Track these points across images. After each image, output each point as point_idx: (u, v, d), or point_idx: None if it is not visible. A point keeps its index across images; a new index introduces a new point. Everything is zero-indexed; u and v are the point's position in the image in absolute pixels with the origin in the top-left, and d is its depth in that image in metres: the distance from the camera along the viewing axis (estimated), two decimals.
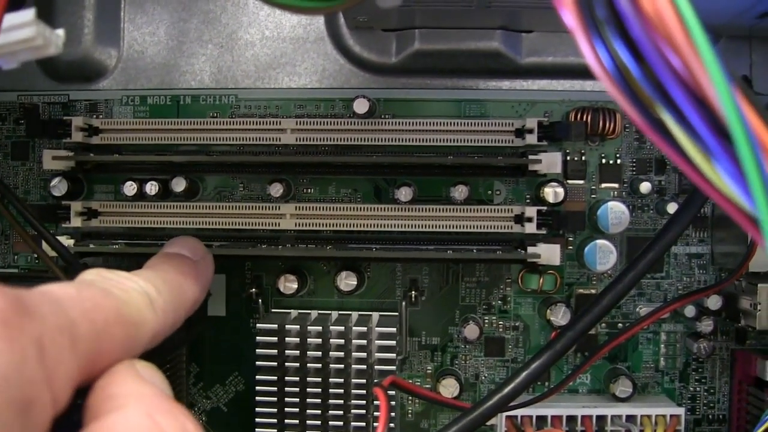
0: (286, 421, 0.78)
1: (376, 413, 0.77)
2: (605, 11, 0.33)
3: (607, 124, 0.81)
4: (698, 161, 0.34)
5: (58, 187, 0.81)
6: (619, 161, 0.83)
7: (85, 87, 0.86)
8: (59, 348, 0.34)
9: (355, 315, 0.82)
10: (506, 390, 0.60)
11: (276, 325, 0.77)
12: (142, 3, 0.86)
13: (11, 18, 0.51)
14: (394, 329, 0.78)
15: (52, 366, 0.33)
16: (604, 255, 0.80)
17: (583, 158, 0.83)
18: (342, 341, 0.77)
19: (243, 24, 0.85)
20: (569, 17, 0.34)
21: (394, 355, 0.77)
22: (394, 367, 0.77)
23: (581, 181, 0.83)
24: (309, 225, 0.79)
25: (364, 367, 0.77)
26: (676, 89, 0.32)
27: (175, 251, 0.60)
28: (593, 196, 0.83)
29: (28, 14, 0.52)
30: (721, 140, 0.32)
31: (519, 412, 0.79)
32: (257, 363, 0.78)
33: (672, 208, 0.81)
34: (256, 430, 0.78)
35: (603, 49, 0.34)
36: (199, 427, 0.37)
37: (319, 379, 0.77)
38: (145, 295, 0.45)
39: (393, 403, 0.83)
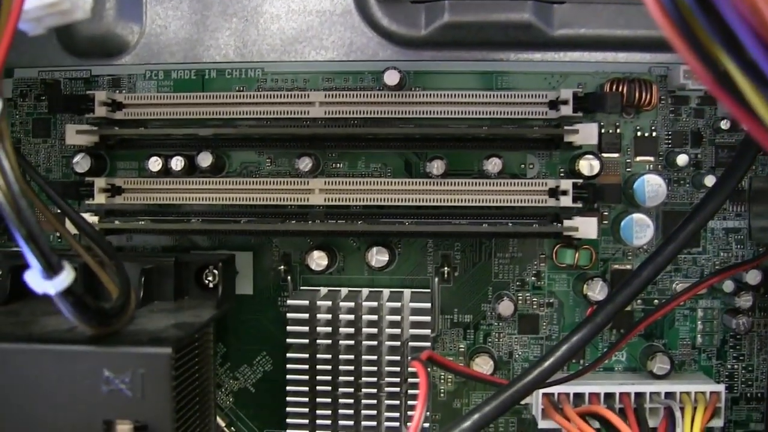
0: (317, 399, 0.76)
1: (409, 391, 0.76)
2: None
3: (643, 96, 0.79)
4: (763, 111, 0.32)
5: (81, 163, 0.80)
6: (654, 134, 0.81)
7: (107, 62, 0.84)
8: None
9: (386, 292, 0.81)
10: (545, 365, 0.59)
11: (307, 301, 0.76)
12: None
13: None
14: (428, 305, 0.76)
15: None
16: (641, 229, 0.78)
17: (618, 131, 0.81)
18: (374, 317, 0.75)
19: None
20: None
21: (429, 331, 0.76)
22: (428, 344, 0.75)
23: (616, 155, 0.81)
24: (338, 200, 0.77)
25: (398, 344, 0.75)
26: (746, 35, 0.31)
27: None
28: (628, 169, 0.81)
29: None
30: None
31: (556, 390, 0.78)
32: (288, 340, 0.76)
33: (709, 181, 0.79)
34: (287, 408, 0.77)
35: None
36: None
37: (351, 357, 0.76)
38: None
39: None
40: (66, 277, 0.53)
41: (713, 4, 0.31)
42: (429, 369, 0.71)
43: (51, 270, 0.52)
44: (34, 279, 0.52)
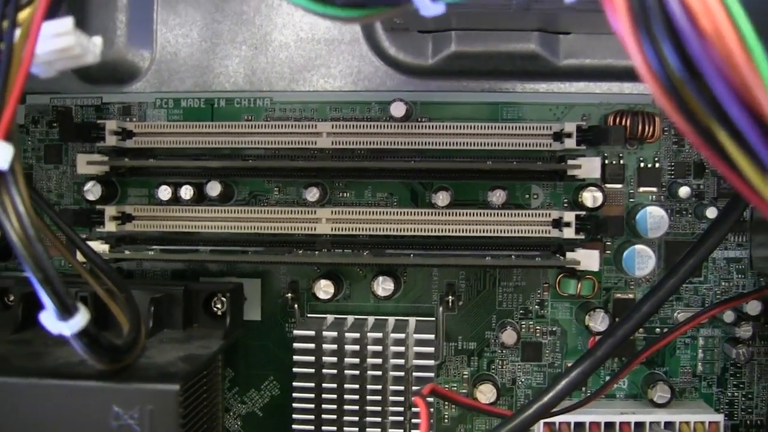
0: (323, 427, 0.77)
1: (413, 420, 0.77)
2: (662, 27, 0.32)
3: (647, 128, 0.80)
4: (752, 178, 0.33)
5: (92, 191, 0.81)
6: (657, 165, 0.82)
7: (118, 89, 0.86)
8: None
9: (391, 320, 0.82)
10: (546, 398, 0.60)
11: (313, 332, 0.77)
12: (175, 4, 0.85)
13: (49, 27, 0.51)
14: (432, 336, 0.77)
15: None
16: (642, 260, 0.79)
17: (621, 162, 0.82)
18: (379, 348, 0.77)
19: (277, 25, 0.85)
20: (625, 34, 0.34)
21: (433, 361, 0.77)
22: (432, 374, 0.76)
23: (619, 185, 0.82)
24: (345, 229, 0.79)
25: (402, 373, 0.77)
26: (733, 106, 0.32)
27: None
28: (631, 200, 0.82)
29: (66, 23, 0.52)
30: None
31: (557, 419, 0.79)
32: (294, 370, 0.78)
33: (711, 212, 0.80)
34: None
35: (658, 65, 0.33)
36: None
37: (356, 386, 0.77)
38: None
39: (431, 410, 0.83)
40: (81, 318, 0.54)
41: (705, 79, 0.32)
42: (432, 400, 0.72)
43: (66, 312, 0.53)
44: (50, 321, 0.54)
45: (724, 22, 0.31)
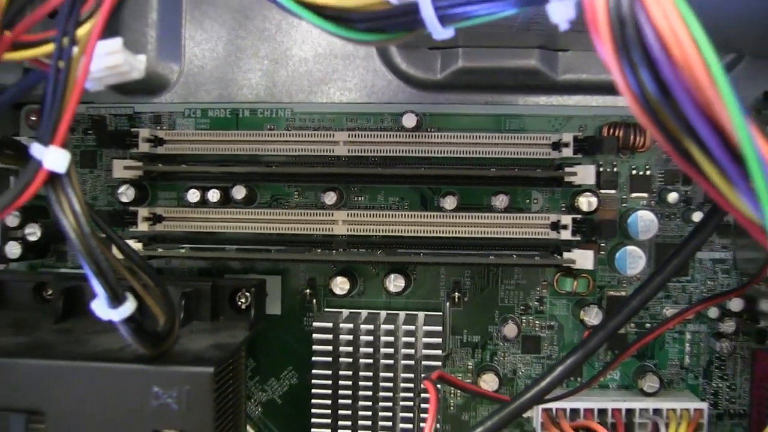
0: (339, 412, 0.84)
1: (422, 405, 0.83)
2: (640, 55, 0.38)
3: (638, 139, 0.87)
4: (720, 185, 0.39)
5: (126, 194, 0.87)
6: (648, 172, 0.89)
7: (148, 100, 0.92)
8: None
9: (402, 314, 0.89)
10: (543, 383, 0.65)
11: (331, 324, 0.83)
12: (201, 21, 0.92)
13: (100, 46, 0.57)
14: (440, 328, 0.84)
15: None
16: (634, 260, 0.86)
17: (615, 170, 0.89)
18: (391, 339, 0.83)
19: (297, 41, 0.91)
20: (609, 60, 0.39)
21: (440, 351, 0.83)
22: (439, 363, 0.83)
23: (613, 191, 0.89)
24: (360, 230, 0.85)
25: (412, 362, 0.83)
26: (700, 123, 0.37)
27: None
28: (624, 204, 0.89)
29: (117, 43, 0.58)
30: (736, 165, 0.37)
31: (554, 405, 0.85)
32: (313, 359, 0.84)
33: (697, 216, 0.87)
34: (312, 420, 0.84)
35: (637, 87, 0.39)
36: None
37: (370, 374, 0.83)
38: None
39: (439, 395, 0.89)
40: (129, 306, 0.60)
41: (676, 99, 0.38)
42: (439, 386, 0.79)
43: (116, 300, 0.59)
44: (100, 308, 0.60)
45: (692, 52, 0.36)
